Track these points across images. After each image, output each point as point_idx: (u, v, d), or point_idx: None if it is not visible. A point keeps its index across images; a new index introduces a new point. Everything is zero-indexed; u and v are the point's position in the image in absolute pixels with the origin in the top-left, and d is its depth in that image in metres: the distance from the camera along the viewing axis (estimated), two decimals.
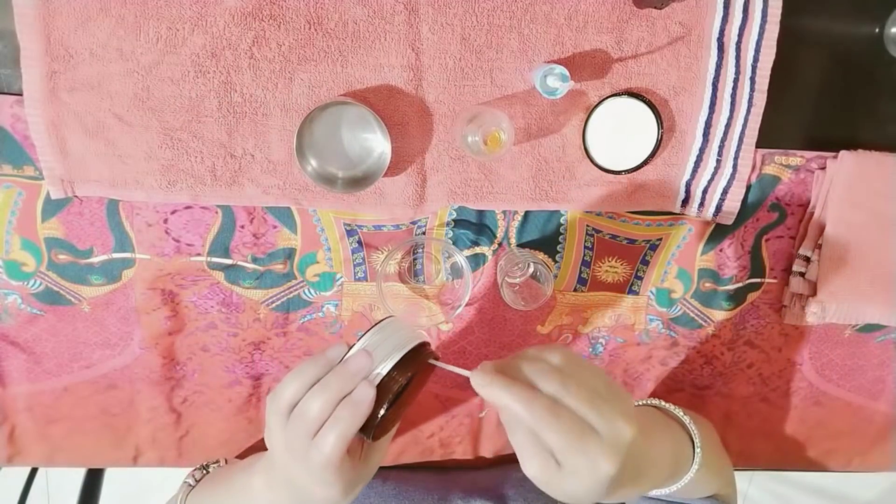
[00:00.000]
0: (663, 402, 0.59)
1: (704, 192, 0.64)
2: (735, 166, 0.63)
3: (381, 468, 0.73)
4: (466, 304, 0.67)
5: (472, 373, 0.42)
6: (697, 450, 0.53)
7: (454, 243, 0.65)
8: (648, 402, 0.60)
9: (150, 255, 0.63)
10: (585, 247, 0.66)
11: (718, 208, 0.64)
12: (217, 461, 0.64)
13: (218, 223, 0.62)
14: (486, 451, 0.76)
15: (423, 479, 0.72)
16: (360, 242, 0.65)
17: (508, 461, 0.76)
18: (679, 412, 0.57)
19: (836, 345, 0.74)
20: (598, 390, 0.41)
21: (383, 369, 0.45)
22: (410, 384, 0.47)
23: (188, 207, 0.62)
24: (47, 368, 0.67)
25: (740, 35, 0.59)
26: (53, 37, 0.55)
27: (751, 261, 0.68)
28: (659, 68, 0.60)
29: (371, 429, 0.45)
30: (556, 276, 0.67)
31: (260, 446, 0.72)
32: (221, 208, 0.62)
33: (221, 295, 0.65)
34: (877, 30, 0.62)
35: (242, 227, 0.63)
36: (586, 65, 0.59)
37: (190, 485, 0.60)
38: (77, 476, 0.99)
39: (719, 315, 0.70)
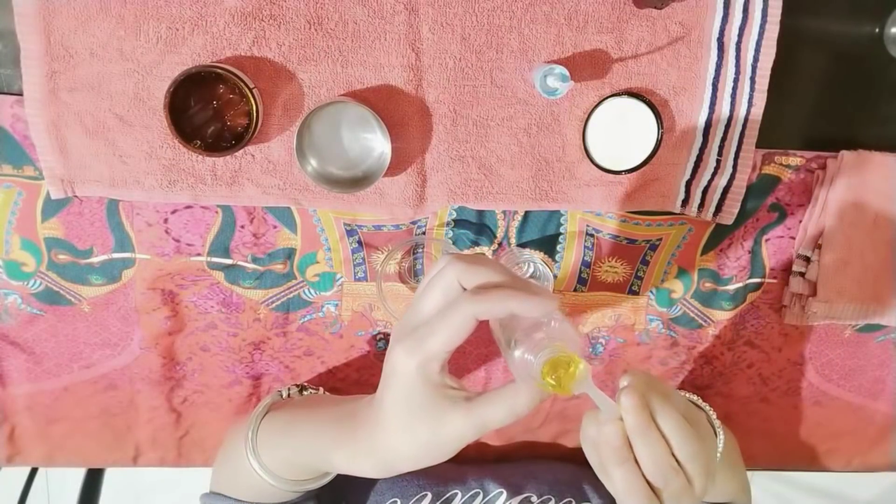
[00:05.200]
0: (692, 395, 0.61)
1: (704, 192, 0.64)
2: (735, 166, 0.63)
3: None
4: None
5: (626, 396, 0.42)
6: (720, 440, 0.55)
7: (454, 243, 0.65)
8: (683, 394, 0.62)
9: (150, 255, 0.63)
10: (585, 247, 0.66)
11: (718, 208, 0.64)
12: (317, 388, 0.64)
13: (218, 223, 0.62)
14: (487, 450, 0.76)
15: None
16: (360, 242, 0.65)
17: (516, 457, 0.76)
18: (705, 405, 0.59)
19: (836, 345, 0.74)
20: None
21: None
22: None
23: (188, 207, 0.62)
24: (47, 368, 0.67)
25: (740, 35, 0.59)
26: (53, 37, 0.55)
27: (751, 261, 0.68)
28: (659, 68, 0.60)
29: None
30: (556, 276, 0.67)
31: None
32: (221, 208, 0.62)
33: (221, 295, 0.65)
34: (877, 30, 0.62)
35: (242, 227, 0.63)
36: (586, 65, 0.59)
37: (280, 394, 0.60)
38: (77, 476, 0.99)
39: (719, 315, 0.70)
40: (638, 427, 0.41)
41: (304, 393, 0.63)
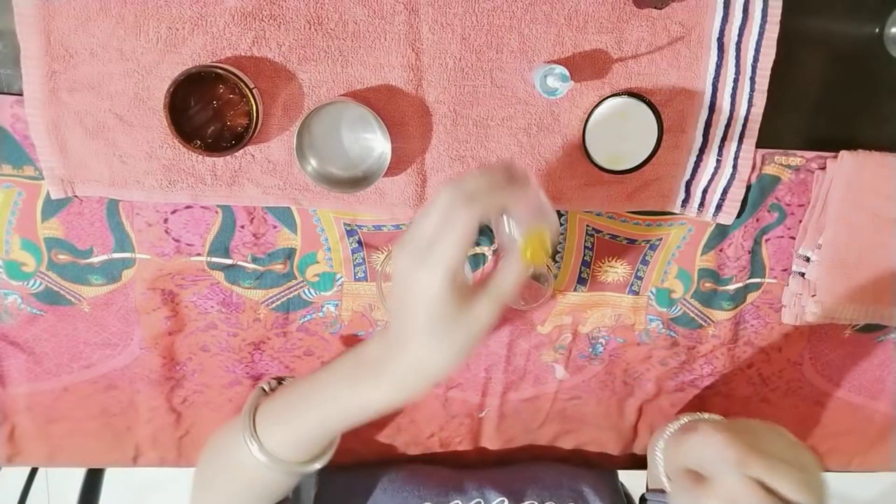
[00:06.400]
0: (714, 416, 0.62)
1: (704, 192, 0.64)
2: (735, 166, 0.63)
3: (392, 462, 0.73)
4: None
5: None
6: None
7: None
8: (710, 417, 0.62)
9: (150, 255, 0.63)
10: (585, 247, 0.66)
11: (718, 208, 0.64)
12: (293, 375, 0.64)
13: (218, 223, 0.62)
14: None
15: (435, 470, 0.72)
16: (360, 242, 0.65)
17: (514, 460, 0.76)
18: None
19: (836, 345, 0.74)
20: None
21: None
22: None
23: (188, 207, 0.62)
24: (47, 368, 0.67)
25: (740, 35, 0.59)
26: (53, 37, 0.55)
27: (751, 261, 0.68)
28: (659, 68, 0.60)
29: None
30: (556, 276, 0.67)
31: None
32: (221, 208, 0.62)
33: (221, 295, 0.65)
34: (877, 30, 0.62)
35: (242, 227, 0.63)
36: (586, 65, 0.59)
37: (264, 390, 0.60)
38: (77, 476, 0.99)
39: (719, 315, 0.70)
40: None
41: (283, 384, 0.63)
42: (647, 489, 0.68)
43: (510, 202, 0.43)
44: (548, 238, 0.44)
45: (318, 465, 0.56)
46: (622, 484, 0.78)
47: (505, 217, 0.45)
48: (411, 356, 0.46)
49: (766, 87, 0.60)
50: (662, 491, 0.62)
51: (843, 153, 0.64)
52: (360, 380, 0.49)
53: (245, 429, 0.54)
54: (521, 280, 0.45)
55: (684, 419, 0.62)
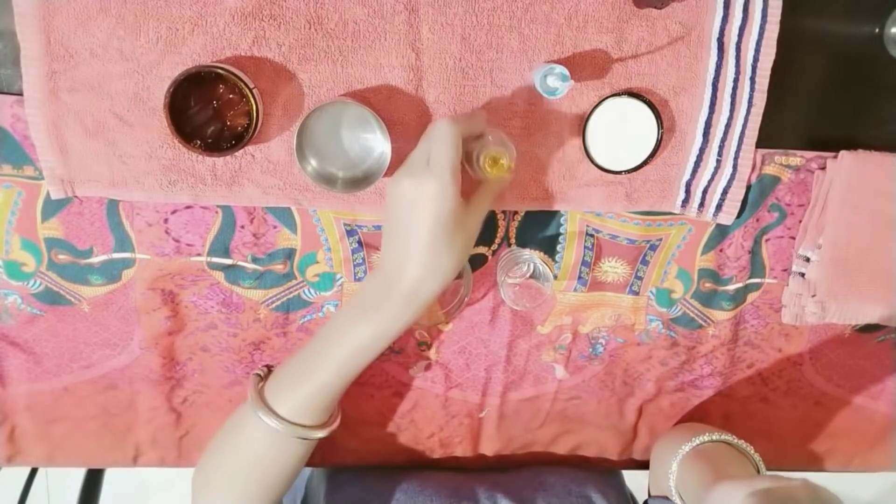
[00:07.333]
0: (734, 438, 0.63)
1: (704, 192, 0.64)
2: (735, 166, 0.63)
3: (402, 469, 0.73)
4: (466, 305, 0.67)
5: None
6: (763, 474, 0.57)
7: None
8: (721, 437, 0.63)
9: (150, 255, 0.63)
10: (585, 247, 0.66)
11: (718, 208, 0.64)
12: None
13: (218, 223, 0.62)
14: (487, 451, 0.76)
15: (446, 477, 0.72)
16: (360, 242, 0.65)
17: (518, 464, 0.76)
18: (749, 448, 0.62)
19: (836, 345, 0.74)
20: None
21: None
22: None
23: (188, 207, 0.62)
24: (47, 368, 0.67)
25: (740, 35, 0.59)
26: (53, 37, 0.55)
27: (751, 261, 0.68)
28: (659, 68, 0.60)
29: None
30: (556, 276, 0.67)
31: None
32: (221, 208, 0.62)
33: (221, 295, 0.65)
34: (877, 30, 0.62)
35: (242, 227, 0.63)
36: (586, 65, 0.59)
37: (259, 375, 0.62)
38: (77, 476, 0.99)
39: (719, 315, 0.70)
40: None
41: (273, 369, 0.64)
42: (650, 495, 0.68)
43: (477, 126, 0.53)
44: (504, 158, 0.52)
45: (321, 434, 0.58)
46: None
47: (476, 154, 0.53)
48: (415, 272, 0.50)
49: (766, 87, 0.60)
50: (666, 498, 0.62)
51: (843, 153, 0.64)
52: (366, 317, 0.53)
53: (256, 406, 0.56)
54: (494, 193, 0.55)
55: (697, 441, 0.62)
